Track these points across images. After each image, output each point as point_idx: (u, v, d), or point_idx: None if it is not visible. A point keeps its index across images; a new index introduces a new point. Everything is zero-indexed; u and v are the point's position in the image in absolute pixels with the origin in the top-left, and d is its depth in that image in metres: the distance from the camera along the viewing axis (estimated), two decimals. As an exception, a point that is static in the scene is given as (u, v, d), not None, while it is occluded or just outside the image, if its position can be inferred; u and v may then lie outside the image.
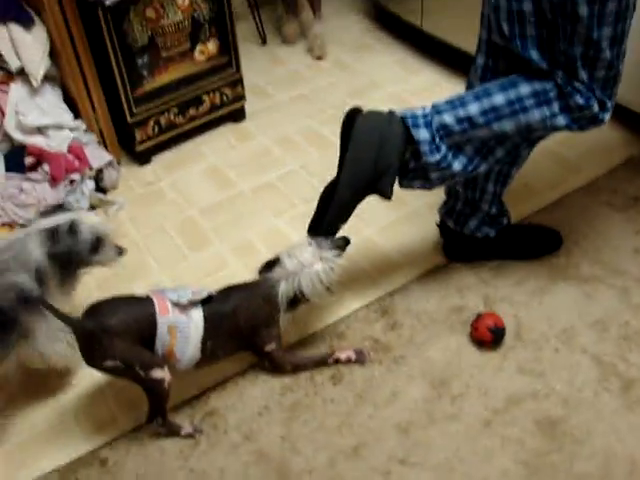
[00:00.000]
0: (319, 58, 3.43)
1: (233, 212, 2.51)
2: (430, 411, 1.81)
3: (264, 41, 3.57)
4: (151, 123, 2.68)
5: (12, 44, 2.45)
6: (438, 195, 2.18)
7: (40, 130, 2.52)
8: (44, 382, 1.99)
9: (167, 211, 2.55)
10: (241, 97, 2.91)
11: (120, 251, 1.95)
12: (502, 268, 2.16)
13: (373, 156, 1.72)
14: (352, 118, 1.76)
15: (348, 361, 1.93)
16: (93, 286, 2.25)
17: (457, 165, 1.80)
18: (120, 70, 2.51)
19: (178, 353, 1.71)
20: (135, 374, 1.67)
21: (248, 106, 2.98)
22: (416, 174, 1.82)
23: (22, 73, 2.50)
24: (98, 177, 2.61)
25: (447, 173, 1.81)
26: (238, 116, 2.96)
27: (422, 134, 1.74)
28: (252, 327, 1.80)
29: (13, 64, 2.45)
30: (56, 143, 2.51)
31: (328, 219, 1.80)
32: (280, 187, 2.60)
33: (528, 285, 2.11)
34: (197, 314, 1.73)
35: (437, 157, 1.76)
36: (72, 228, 1.82)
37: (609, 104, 1.74)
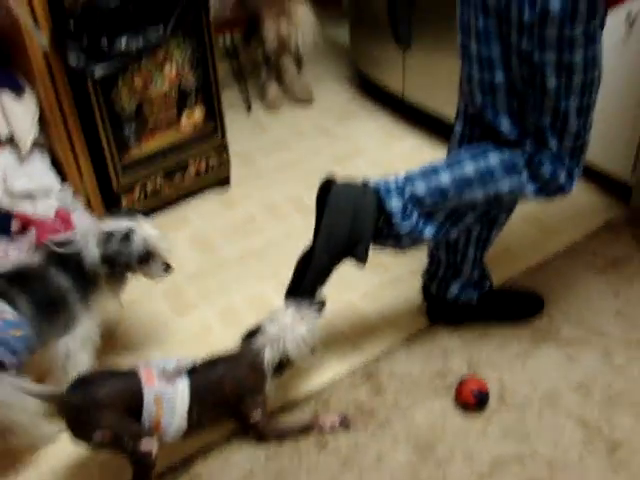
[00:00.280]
0: (307, 101, 3.55)
1: (218, 278, 2.52)
2: (415, 475, 1.80)
3: (249, 108, 3.64)
4: (137, 189, 2.71)
5: (1, 112, 2.49)
6: (421, 260, 2.22)
7: (27, 196, 2.54)
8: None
9: (152, 276, 2.56)
10: (226, 164, 2.95)
11: (167, 268, 2.01)
12: (485, 331, 2.18)
13: (348, 224, 1.77)
14: (327, 187, 1.81)
15: (332, 428, 1.93)
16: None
17: (428, 232, 1.84)
18: (107, 137, 2.55)
19: (165, 424, 1.70)
20: (123, 446, 1.66)
21: (233, 172, 3.02)
22: (388, 239, 1.85)
23: (11, 140, 2.53)
24: (84, 243, 2.62)
25: (418, 239, 1.85)
26: (223, 182, 3.00)
27: (394, 205, 1.79)
28: (238, 396, 1.80)
29: (2, 132, 2.48)
30: (43, 209, 2.53)
31: (306, 283, 1.83)
32: (265, 254, 2.62)
33: (511, 348, 2.12)
34: (183, 384, 1.73)
35: (407, 227, 1.80)
36: (127, 235, 1.93)
37: (576, 173, 1.79)
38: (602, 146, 2.41)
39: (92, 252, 1.91)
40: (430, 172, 1.80)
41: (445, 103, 2.96)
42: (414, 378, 2.05)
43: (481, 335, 2.17)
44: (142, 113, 2.60)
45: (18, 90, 2.52)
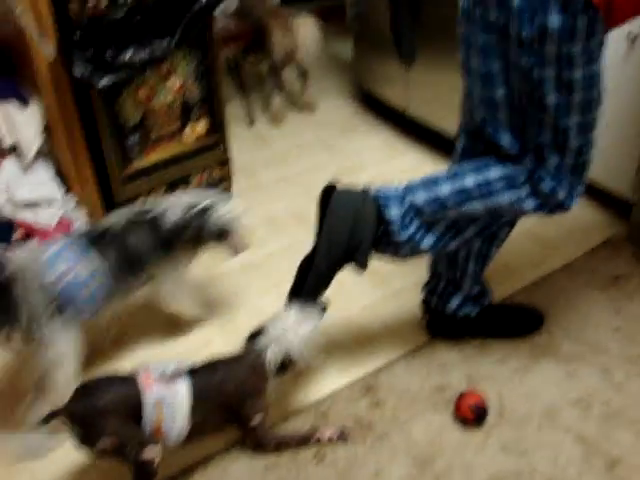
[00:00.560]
0: (310, 112, 3.67)
1: (220, 290, 2.52)
2: (413, 490, 1.80)
3: (252, 121, 3.66)
4: (140, 201, 2.72)
5: (5, 122, 2.51)
6: (421, 274, 2.22)
7: (30, 205, 2.55)
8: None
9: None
10: (228, 177, 2.96)
11: (242, 247, 2.17)
12: (485, 346, 2.18)
13: (347, 231, 1.79)
14: (329, 192, 1.83)
15: (330, 440, 1.93)
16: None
17: (426, 243, 1.85)
18: (111, 148, 2.56)
19: (166, 429, 1.70)
20: (127, 454, 1.66)
21: (235, 185, 3.03)
22: (387, 247, 1.86)
23: (14, 150, 2.55)
24: (86, 253, 2.63)
25: (416, 249, 1.86)
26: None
27: (393, 214, 1.80)
28: (239, 398, 1.80)
29: (6, 141, 2.50)
30: (45, 218, 2.54)
31: (307, 288, 1.86)
32: (265, 267, 2.63)
33: (511, 363, 2.12)
34: (183, 387, 1.73)
35: (406, 236, 1.82)
36: (205, 210, 2.09)
37: (577, 190, 1.79)
38: (603, 163, 2.42)
39: (171, 220, 2.09)
40: (431, 183, 1.82)
41: (447, 118, 2.98)
42: (413, 392, 2.05)
43: (481, 350, 2.17)
44: (146, 124, 2.61)
45: (23, 100, 2.54)
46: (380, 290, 2.45)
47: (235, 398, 1.79)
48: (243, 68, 3.83)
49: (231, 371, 1.81)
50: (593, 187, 2.68)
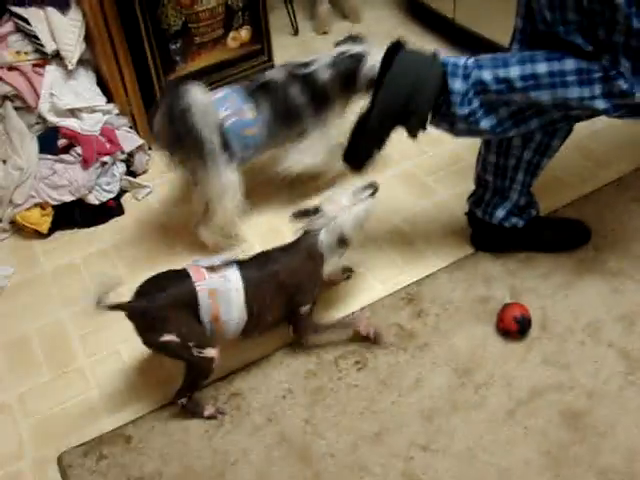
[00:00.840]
0: (355, 22, 3.59)
1: (262, 198, 2.50)
2: (453, 399, 1.81)
3: (296, 31, 3.58)
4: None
5: (48, 27, 2.48)
6: (467, 185, 2.18)
7: (73, 113, 2.55)
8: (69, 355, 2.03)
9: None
10: (272, 85, 2.92)
11: None
12: (529, 260, 2.16)
13: (407, 92, 1.76)
14: (396, 50, 1.79)
15: (366, 337, 1.94)
16: (122, 269, 2.28)
17: (485, 123, 1.80)
18: (153, 55, 2.53)
19: (223, 316, 1.72)
20: (188, 351, 1.69)
21: (278, 94, 2.98)
22: (444, 119, 1.83)
23: (57, 56, 2.53)
24: (129, 161, 2.64)
25: (474, 128, 1.82)
26: (268, 104, 2.97)
27: (457, 85, 1.76)
28: (295, 285, 1.81)
29: (49, 47, 2.48)
30: (89, 126, 2.54)
31: (362, 147, 1.87)
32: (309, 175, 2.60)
33: (555, 278, 2.10)
34: (234, 275, 1.74)
35: (466, 111, 1.77)
36: (358, 59, 2.21)
37: None
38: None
39: (326, 72, 2.21)
40: (501, 62, 1.75)
41: (498, 26, 2.86)
42: (456, 303, 2.04)
43: (525, 264, 2.15)
44: (188, 31, 2.57)
45: (64, 6, 2.50)
46: (425, 200, 2.42)
47: (290, 285, 1.81)
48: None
49: (285, 259, 1.82)
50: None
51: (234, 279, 1.74)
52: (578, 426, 1.72)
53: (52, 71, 2.54)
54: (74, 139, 2.49)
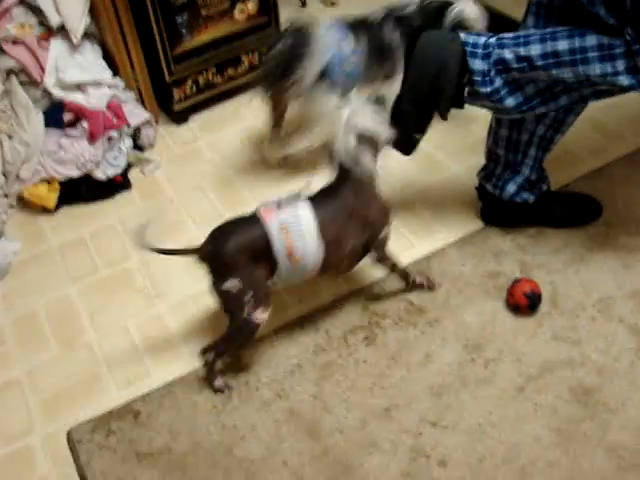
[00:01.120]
0: None
1: (271, 173, 2.50)
2: (463, 375, 1.80)
3: (304, 3, 3.53)
4: (189, 82, 2.67)
5: (53, 0, 2.45)
6: (477, 159, 2.16)
7: (79, 87, 2.52)
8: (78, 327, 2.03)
9: (204, 171, 2.55)
10: (280, 58, 2.89)
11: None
12: (540, 235, 2.13)
13: (431, 75, 1.78)
14: (417, 34, 1.82)
15: (421, 285, 1.98)
16: (129, 244, 2.27)
17: (510, 101, 1.79)
18: (159, 28, 2.49)
19: (298, 250, 1.71)
20: (241, 307, 1.70)
21: (287, 67, 2.95)
22: (473, 97, 1.83)
23: (62, 29, 2.50)
24: (136, 135, 2.62)
25: (499, 106, 1.82)
26: (276, 78, 2.94)
27: (477, 65, 1.75)
28: (366, 209, 1.81)
29: (54, 20, 2.45)
30: (95, 100, 2.51)
31: (403, 133, 1.88)
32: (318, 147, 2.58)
33: (566, 253, 2.08)
34: (303, 210, 1.73)
35: (488, 89, 1.76)
36: (444, 3, 2.30)
37: None
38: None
39: (417, 15, 2.30)
40: (522, 40, 1.73)
41: (512, 2, 2.83)
42: (465, 278, 2.03)
43: (535, 239, 2.13)
44: (195, 3, 2.53)
45: (68, -23, 2.47)
46: (435, 174, 2.40)
47: (361, 211, 1.80)
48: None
49: (347, 188, 1.80)
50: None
51: (303, 213, 1.73)
52: (588, 402, 1.71)
53: (57, 45, 2.51)
54: (80, 113, 2.46)
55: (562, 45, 1.68)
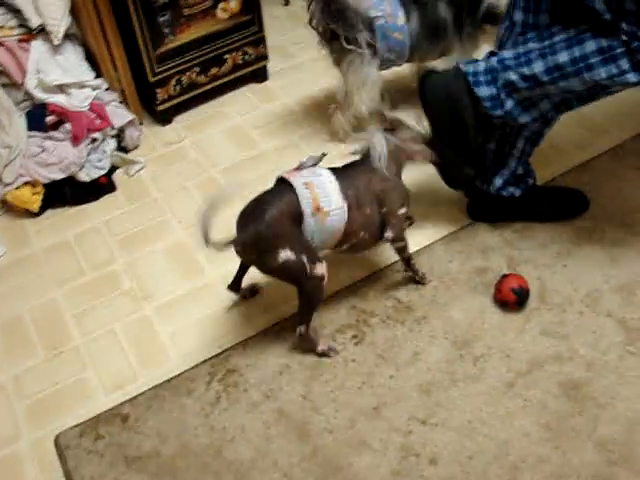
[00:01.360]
0: None
1: (255, 172, 2.48)
2: (452, 372, 1.79)
3: (287, 1, 3.52)
4: (173, 82, 2.66)
5: (33, 1, 2.43)
6: (463, 155, 2.16)
7: (61, 89, 2.51)
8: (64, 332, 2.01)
9: (189, 171, 2.54)
10: (264, 56, 2.87)
11: None
12: (526, 230, 2.13)
13: (449, 117, 1.83)
14: (424, 81, 1.87)
15: (421, 278, 2.01)
16: (115, 246, 2.26)
17: (526, 118, 1.83)
18: (141, 28, 2.48)
19: (324, 204, 1.73)
20: (303, 269, 1.70)
21: (271, 66, 2.94)
22: (490, 120, 1.88)
23: (43, 31, 2.48)
24: (120, 136, 2.60)
25: (515, 124, 1.87)
26: (261, 76, 2.93)
27: (484, 91, 1.79)
28: (387, 185, 1.85)
29: (34, 21, 2.43)
30: (78, 102, 2.50)
31: (449, 173, 2.02)
32: (303, 147, 2.58)
33: (553, 248, 2.08)
34: (324, 170, 1.80)
35: (501, 112, 1.80)
36: None
37: None
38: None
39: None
40: (523, 59, 1.75)
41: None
42: (453, 274, 2.02)
43: (522, 234, 2.12)
44: (176, 2, 2.51)
45: (48, -22, 2.45)
46: (421, 170, 2.38)
47: (381, 188, 1.83)
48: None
49: (370, 166, 1.84)
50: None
51: (325, 172, 1.79)
52: (577, 397, 1.71)
53: (38, 46, 2.49)
54: (63, 115, 2.45)
55: (563, 57, 1.69)
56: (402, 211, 1.88)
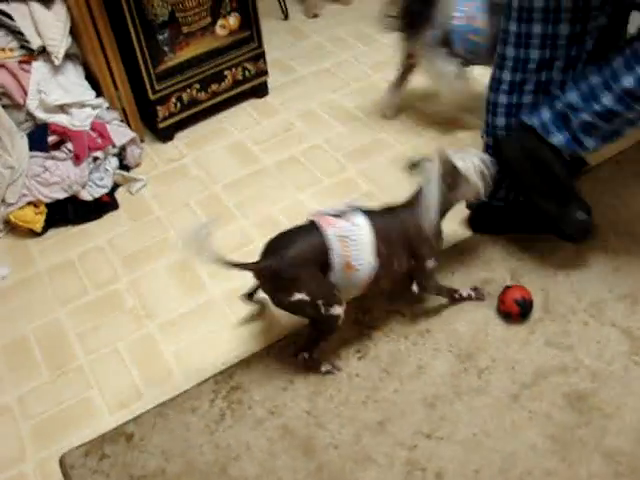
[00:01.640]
0: (346, 5, 3.63)
1: (257, 187, 2.49)
2: (456, 385, 1.79)
3: (286, 16, 3.53)
4: (173, 100, 2.67)
5: (33, 22, 2.44)
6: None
7: (62, 108, 2.52)
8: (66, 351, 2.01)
9: (190, 187, 2.54)
10: (263, 72, 2.88)
11: None
12: (530, 241, 2.13)
13: (536, 174, 1.85)
14: (495, 149, 1.89)
15: (469, 298, 1.96)
16: (118, 264, 2.26)
17: (606, 144, 1.84)
18: (141, 46, 2.49)
19: (355, 262, 1.71)
20: (317, 309, 1.70)
21: (271, 81, 2.95)
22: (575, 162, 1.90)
23: (43, 52, 2.49)
24: (121, 155, 2.61)
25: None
26: (261, 91, 2.94)
27: (559, 139, 1.78)
28: (419, 237, 1.80)
29: (34, 43, 2.44)
30: (79, 121, 2.51)
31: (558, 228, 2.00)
32: (304, 162, 2.58)
33: (555, 258, 2.07)
34: (361, 220, 1.74)
35: (582, 152, 1.81)
36: None
37: None
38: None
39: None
40: (590, 97, 1.73)
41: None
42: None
43: (525, 245, 2.12)
44: (175, 20, 2.53)
45: (47, 0, 2.46)
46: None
47: (414, 238, 1.80)
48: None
49: (408, 212, 1.81)
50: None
51: (362, 223, 1.73)
52: (583, 408, 1.70)
53: (39, 67, 2.50)
54: (64, 135, 2.46)
55: (627, 80, 1.66)
56: (431, 265, 1.84)
